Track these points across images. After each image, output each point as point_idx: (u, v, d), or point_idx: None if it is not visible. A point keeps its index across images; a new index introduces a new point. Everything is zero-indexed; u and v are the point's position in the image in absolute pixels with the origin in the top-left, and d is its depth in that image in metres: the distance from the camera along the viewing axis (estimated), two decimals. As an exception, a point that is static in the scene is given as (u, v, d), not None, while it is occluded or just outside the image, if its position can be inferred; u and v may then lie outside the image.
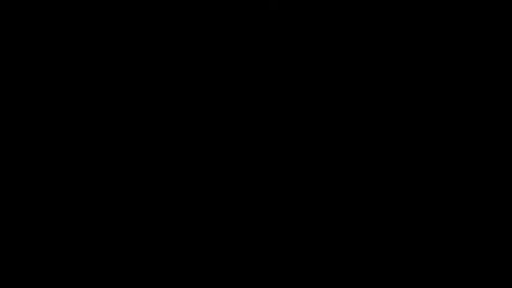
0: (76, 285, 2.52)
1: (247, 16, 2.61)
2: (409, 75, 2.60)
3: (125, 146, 2.58)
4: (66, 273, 2.53)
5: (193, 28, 2.61)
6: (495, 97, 2.58)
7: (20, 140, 2.58)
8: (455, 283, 2.51)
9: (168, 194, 2.57)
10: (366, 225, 2.55)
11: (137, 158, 2.58)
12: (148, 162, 2.58)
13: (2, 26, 2.60)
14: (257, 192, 2.57)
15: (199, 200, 2.57)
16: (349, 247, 2.54)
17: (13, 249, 2.53)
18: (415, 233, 2.54)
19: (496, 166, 2.55)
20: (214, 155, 2.58)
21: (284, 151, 2.58)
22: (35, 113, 2.59)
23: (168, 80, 2.61)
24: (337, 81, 2.60)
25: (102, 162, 2.58)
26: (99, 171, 2.57)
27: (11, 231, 2.54)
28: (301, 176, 2.57)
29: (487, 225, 2.53)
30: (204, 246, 2.55)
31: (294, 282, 2.53)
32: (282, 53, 2.61)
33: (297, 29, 2.61)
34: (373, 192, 2.56)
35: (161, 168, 2.58)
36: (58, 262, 2.53)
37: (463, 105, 2.58)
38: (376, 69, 2.60)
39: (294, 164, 2.58)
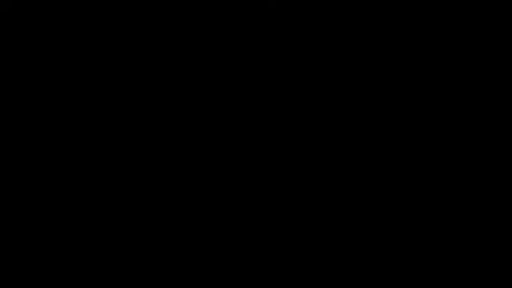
0: (76, 285, 2.52)
1: (247, 16, 2.61)
2: (409, 75, 2.60)
3: (125, 146, 2.58)
4: (66, 273, 2.53)
5: (193, 28, 2.61)
6: (495, 97, 2.58)
7: (20, 140, 2.58)
8: (455, 283, 2.51)
9: (168, 194, 2.57)
10: (366, 225, 2.55)
11: (137, 157, 2.58)
12: (149, 162, 2.58)
13: (2, 26, 2.60)
14: (257, 192, 2.57)
15: (199, 200, 2.57)
16: (349, 247, 2.54)
17: (13, 249, 2.53)
18: (415, 233, 2.54)
19: (496, 166, 2.55)
20: (214, 155, 2.58)
21: (284, 151, 2.58)
22: (35, 113, 2.59)
23: (168, 80, 2.61)
24: (337, 81, 2.60)
25: (102, 162, 2.58)
26: (99, 171, 2.57)
27: (11, 231, 2.54)
28: (301, 176, 2.57)
29: (487, 225, 2.53)
30: (204, 246, 2.55)
31: (294, 282, 2.53)
32: (282, 53, 2.61)
33: (297, 29, 2.61)
34: (373, 192, 2.56)
35: (161, 168, 2.58)
36: (58, 262, 2.53)
37: (463, 105, 2.58)
38: (376, 69, 2.60)
39: (294, 164, 2.58)
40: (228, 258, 2.54)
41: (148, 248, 2.54)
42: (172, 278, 2.53)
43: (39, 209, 2.55)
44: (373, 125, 2.58)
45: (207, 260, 2.54)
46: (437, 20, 2.60)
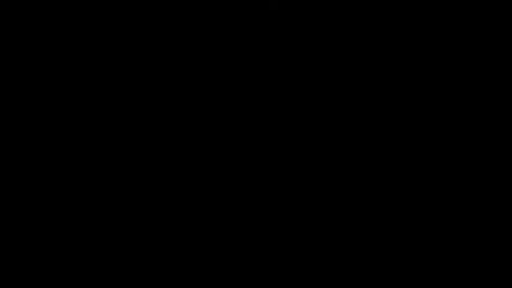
0: (76, 285, 2.52)
1: (247, 16, 2.61)
2: (409, 75, 2.60)
3: (125, 145, 2.58)
4: (66, 273, 2.53)
5: (193, 28, 2.61)
6: (495, 97, 2.58)
7: (20, 140, 2.57)
8: (455, 283, 2.51)
9: (168, 194, 2.57)
10: (366, 225, 2.55)
11: (137, 157, 2.58)
12: (149, 162, 2.58)
13: (2, 26, 2.60)
14: (257, 192, 2.57)
15: (199, 200, 2.57)
16: (349, 247, 2.54)
17: (13, 249, 2.53)
18: (415, 233, 2.54)
19: (496, 166, 2.55)
20: (215, 155, 2.58)
21: (284, 151, 2.58)
22: (35, 113, 2.59)
23: (168, 80, 2.61)
24: (337, 81, 2.60)
25: (102, 162, 2.58)
26: (99, 171, 2.57)
27: (11, 231, 2.54)
28: (301, 176, 2.57)
29: (487, 225, 2.53)
30: (204, 246, 2.55)
31: (294, 282, 2.53)
32: (282, 53, 2.61)
33: (297, 29, 2.61)
34: (373, 192, 2.56)
35: (161, 168, 2.58)
36: (58, 262, 2.53)
37: (463, 105, 2.58)
38: (376, 69, 2.60)
39: (294, 164, 2.58)
40: (228, 258, 2.54)
41: (148, 248, 2.54)
42: (172, 278, 2.53)
43: (39, 209, 2.55)
44: (373, 125, 2.58)
45: (207, 260, 2.54)
46: (437, 20, 2.60)
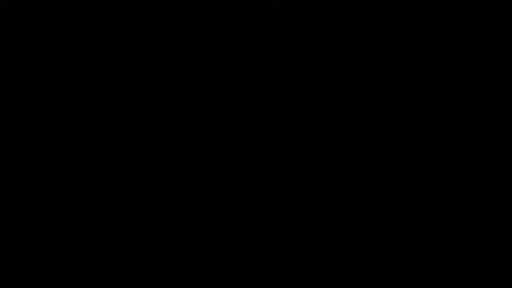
0: (76, 285, 2.52)
1: (247, 16, 2.61)
2: (409, 75, 2.60)
3: (125, 146, 2.58)
4: (66, 273, 2.53)
5: (193, 28, 2.61)
6: (495, 97, 2.58)
7: (20, 140, 2.57)
8: (456, 283, 2.51)
9: (168, 194, 2.57)
10: (366, 225, 2.55)
11: (137, 158, 2.58)
12: (149, 162, 2.58)
13: (2, 26, 2.60)
14: (257, 192, 2.57)
15: (199, 200, 2.57)
16: (349, 247, 2.54)
17: (13, 249, 2.53)
18: (415, 233, 2.54)
19: (496, 166, 2.55)
20: (214, 155, 2.58)
21: (284, 151, 2.58)
22: (35, 113, 2.59)
23: (168, 80, 2.61)
24: (337, 81, 2.60)
25: (102, 162, 2.58)
26: (99, 171, 2.57)
27: (11, 231, 2.54)
28: (301, 176, 2.57)
29: (487, 225, 2.53)
30: (204, 246, 2.55)
31: (294, 282, 2.53)
32: (282, 53, 2.61)
33: (297, 29, 2.61)
34: (373, 192, 2.56)
35: (161, 168, 2.58)
36: (58, 262, 2.53)
37: (463, 105, 2.58)
38: (376, 69, 2.60)
39: (294, 164, 2.58)
40: (228, 258, 2.54)
41: (148, 248, 2.54)
42: (172, 278, 2.53)
43: (39, 209, 2.55)
44: (373, 124, 2.58)
45: (207, 260, 2.54)
46: (437, 20, 2.60)
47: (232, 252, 2.54)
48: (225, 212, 2.56)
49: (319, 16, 2.61)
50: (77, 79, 2.60)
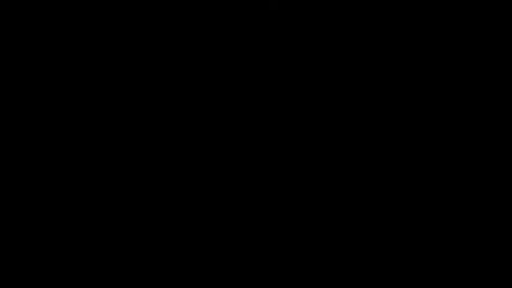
0: (76, 285, 2.52)
1: (247, 16, 2.61)
2: (409, 75, 2.60)
3: (125, 146, 2.58)
4: (66, 274, 2.53)
5: (193, 28, 2.61)
6: (495, 97, 2.58)
7: (20, 140, 2.57)
8: (455, 283, 2.51)
9: (168, 194, 2.57)
10: (366, 225, 2.55)
11: (137, 158, 2.58)
12: (149, 162, 2.58)
13: (2, 26, 2.60)
14: (257, 192, 2.57)
15: (199, 200, 2.57)
16: (349, 247, 2.54)
17: (13, 249, 2.53)
18: (415, 233, 2.54)
19: (496, 166, 2.55)
20: (214, 155, 2.58)
21: (284, 151, 2.58)
22: (35, 113, 2.59)
23: (168, 80, 2.61)
24: (337, 81, 2.60)
25: (102, 162, 2.58)
26: (99, 171, 2.57)
27: (11, 231, 2.54)
28: (301, 176, 2.57)
29: (487, 225, 2.53)
30: (204, 246, 2.55)
31: (294, 282, 2.53)
32: (282, 53, 2.61)
33: (297, 29, 2.61)
34: (373, 192, 2.56)
35: (161, 168, 2.58)
36: (58, 262, 2.53)
37: (463, 105, 2.58)
38: (376, 69, 2.60)
39: (294, 164, 2.58)
40: (228, 258, 2.54)
41: (148, 248, 2.54)
42: (172, 278, 2.53)
43: (39, 209, 2.55)
44: (373, 124, 2.58)
45: (207, 260, 2.54)
46: (437, 20, 2.60)
47: (232, 252, 2.54)
48: (225, 212, 2.56)
49: (319, 16, 2.61)
50: (77, 79, 2.60)
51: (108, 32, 2.61)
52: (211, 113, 2.60)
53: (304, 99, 2.60)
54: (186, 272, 2.54)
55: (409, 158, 2.57)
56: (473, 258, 2.52)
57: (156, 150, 2.58)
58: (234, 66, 2.61)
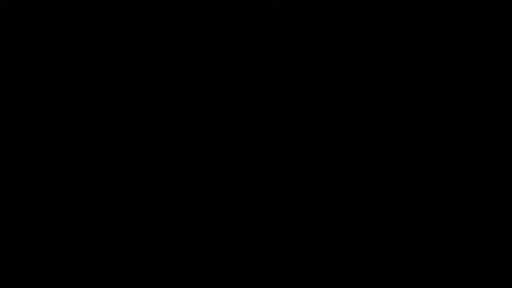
0: (76, 285, 2.52)
1: (247, 16, 2.61)
2: (409, 75, 2.60)
3: (125, 146, 2.58)
4: (66, 273, 2.53)
5: (193, 28, 2.61)
6: (495, 97, 2.58)
7: (20, 140, 2.57)
8: (456, 283, 2.51)
9: (168, 194, 2.57)
10: (366, 225, 2.55)
11: (137, 158, 2.58)
12: (149, 162, 2.58)
13: (2, 26, 2.60)
14: (257, 192, 2.57)
15: (199, 200, 2.57)
16: (349, 247, 2.54)
17: (13, 249, 2.53)
18: (415, 233, 2.54)
19: (496, 166, 2.55)
20: (214, 155, 2.58)
21: (284, 151, 2.58)
22: (35, 113, 2.59)
23: (168, 80, 2.61)
24: (337, 81, 2.60)
25: (102, 162, 2.58)
26: (99, 171, 2.57)
27: (11, 231, 2.54)
28: (301, 176, 2.57)
29: (487, 225, 2.53)
30: (204, 246, 2.55)
31: (294, 282, 2.53)
32: (282, 53, 2.61)
33: (297, 29, 2.61)
34: (373, 192, 2.56)
35: (161, 168, 2.58)
36: (58, 262, 2.53)
37: (463, 105, 2.58)
38: (376, 69, 2.60)
39: (294, 164, 2.58)
40: (228, 258, 2.54)
41: (148, 248, 2.54)
42: (172, 278, 2.53)
43: (39, 209, 2.55)
44: (373, 125, 2.58)
45: (207, 260, 2.54)
46: (437, 20, 2.60)
47: (232, 252, 2.54)
48: (224, 212, 2.56)
49: (319, 16, 2.61)
50: (77, 79, 2.60)
51: (108, 32, 2.61)
52: (211, 113, 2.60)
53: (304, 99, 2.60)
54: (186, 272, 2.54)
55: (409, 157, 2.57)
56: (473, 258, 2.52)
57: (156, 150, 2.58)
58: (234, 66, 2.61)
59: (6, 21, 2.60)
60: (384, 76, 2.60)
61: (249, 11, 2.61)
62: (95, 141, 2.58)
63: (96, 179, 2.57)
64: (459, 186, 2.55)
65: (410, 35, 2.60)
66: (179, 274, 2.53)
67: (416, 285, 2.51)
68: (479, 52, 2.59)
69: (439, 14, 2.60)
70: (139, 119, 2.59)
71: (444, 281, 2.51)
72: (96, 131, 2.58)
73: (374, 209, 2.55)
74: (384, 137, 2.58)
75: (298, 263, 2.53)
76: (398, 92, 2.59)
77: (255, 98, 2.60)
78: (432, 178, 2.56)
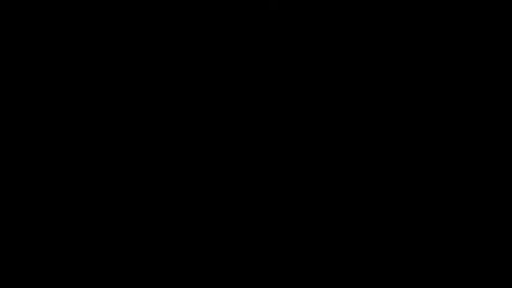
0: (76, 285, 2.52)
1: (247, 16, 2.61)
2: (409, 75, 2.60)
3: (125, 146, 2.58)
4: (66, 274, 2.53)
5: (193, 28, 2.61)
6: (495, 97, 2.58)
7: (20, 140, 2.58)
8: (456, 283, 2.51)
9: (168, 194, 2.57)
10: (366, 225, 2.55)
11: (137, 158, 2.58)
12: (149, 162, 2.58)
13: (2, 26, 2.60)
14: (257, 192, 2.57)
15: (199, 200, 2.57)
16: (349, 247, 2.54)
17: (13, 249, 2.53)
18: (415, 233, 2.54)
19: (496, 166, 2.55)
20: (215, 155, 2.58)
21: (284, 151, 2.58)
22: (35, 113, 2.59)
23: (168, 80, 2.61)
24: (337, 81, 2.60)
25: (102, 162, 2.58)
26: (99, 171, 2.57)
27: (11, 231, 2.54)
28: (301, 176, 2.57)
29: (487, 225, 2.53)
30: (204, 246, 2.55)
31: (294, 282, 2.53)
32: (282, 53, 2.61)
33: (297, 29, 2.61)
34: (373, 192, 2.56)
35: (161, 168, 2.58)
36: (58, 262, 2.53)
37: (463, 105, 2.58)
38: (376, 69, 2.60)
39: (294, 164, 2.58)
40: (228, 258, 2.54)
41: (148, 248, 2.54)
42: (172, 278, 2.53)
43: (39, 209, 2.55)
44: (373, 125, 2.58)
45: (207, 260, 2.54)
46: (437, 20, 2.60)
47: (232, 252, 2.54)
48: (225, 212, 2.56)
49: (319, 16, 2.61)
50: (77, 79, 2.60)
51: (108, 32, 2.61)
52: (211, 113, 2.60)
53: (304, 99, 2.60)
54: (186, 272, 2.54)
55: (409, 157, 2.57)
56: (473, 258, 2.52)
57: (156, 149, 2.58)
58: (234, 66, 2.61)
59: (6, 21, 2.60)
60: (384, 76, 2.60)
61: (249, 11, 2.61)
62: (95, 141, 2.58)
63: (96, 178, 2.57)
64: (459, 186, 2.55)
65: (411, 35, 2.60)
66: (179, 274, 2.53)
67: (416, 285, 2.51)
68: (479, 52, 2.59)
69: (439, 14, 2.60)
70: (139, 118, 2.59)
71: (444, 281, 2.51)
72: (96, 130, 2.58)
73: (374, 209, 2.55)
74: (384, 137, 2.58)
75: (298, 263, 2.54)
76: (398, 92, 2.59)
77: (255, 97, 2.60)
78: (432, 178, 2.56)
